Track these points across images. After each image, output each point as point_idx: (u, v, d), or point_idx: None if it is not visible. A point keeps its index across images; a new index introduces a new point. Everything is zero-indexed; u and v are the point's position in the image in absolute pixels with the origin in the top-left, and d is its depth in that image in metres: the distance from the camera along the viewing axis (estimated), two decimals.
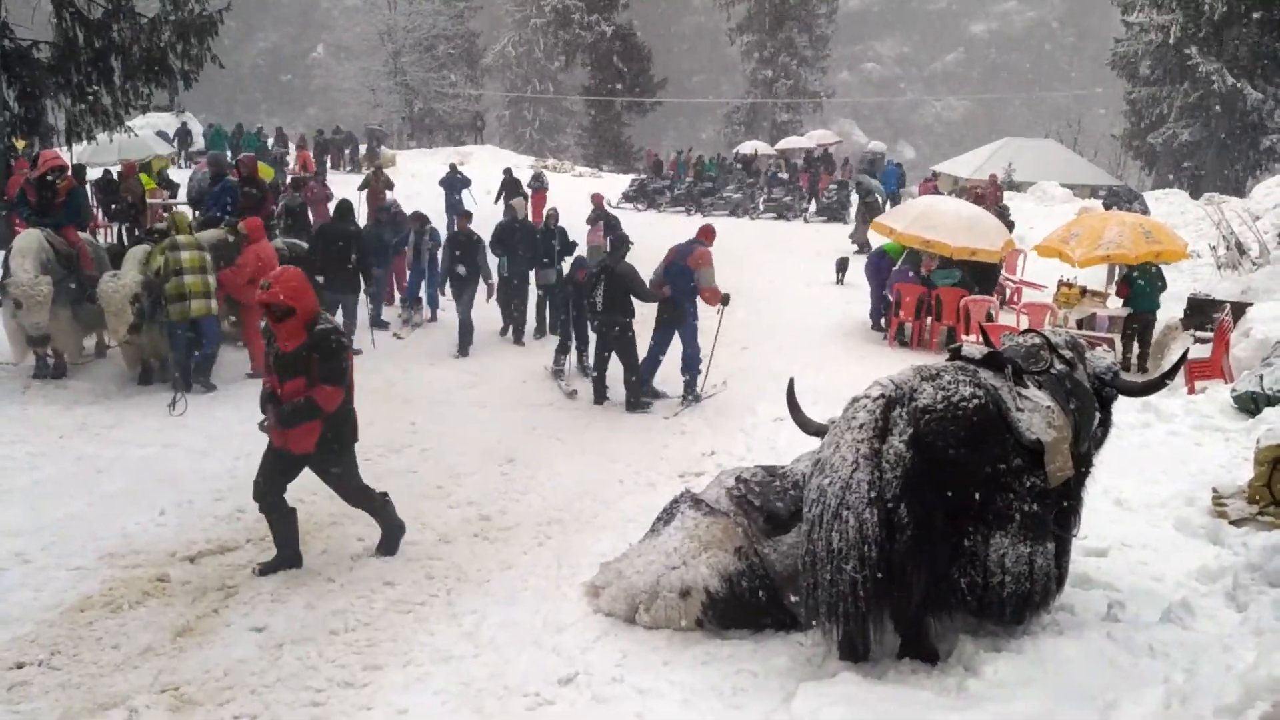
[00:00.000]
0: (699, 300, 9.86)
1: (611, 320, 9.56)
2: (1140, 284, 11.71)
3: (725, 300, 9.91)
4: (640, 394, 9.72)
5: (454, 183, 20.52)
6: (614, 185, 30.99)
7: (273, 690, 4.52)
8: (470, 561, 6.07)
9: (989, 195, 19.93)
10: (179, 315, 9.22)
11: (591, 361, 10.10)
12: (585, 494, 7.36)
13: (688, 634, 4.93)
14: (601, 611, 5.18)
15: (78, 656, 4.71)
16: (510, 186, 20.55)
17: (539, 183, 22.67)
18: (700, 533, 5.14)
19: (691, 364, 9.88)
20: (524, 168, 30.11)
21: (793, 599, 4.74)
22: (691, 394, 9.86)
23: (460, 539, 6.44)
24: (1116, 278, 15.99)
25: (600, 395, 9.86)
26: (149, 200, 18.05)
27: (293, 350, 5.48)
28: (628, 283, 9.49)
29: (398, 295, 13.59)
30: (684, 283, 9.70)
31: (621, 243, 10.05)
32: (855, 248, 19.12)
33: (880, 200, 21.04)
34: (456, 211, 19.64)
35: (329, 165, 30.51)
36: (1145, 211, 20.45)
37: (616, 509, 7.00)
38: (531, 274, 12.34)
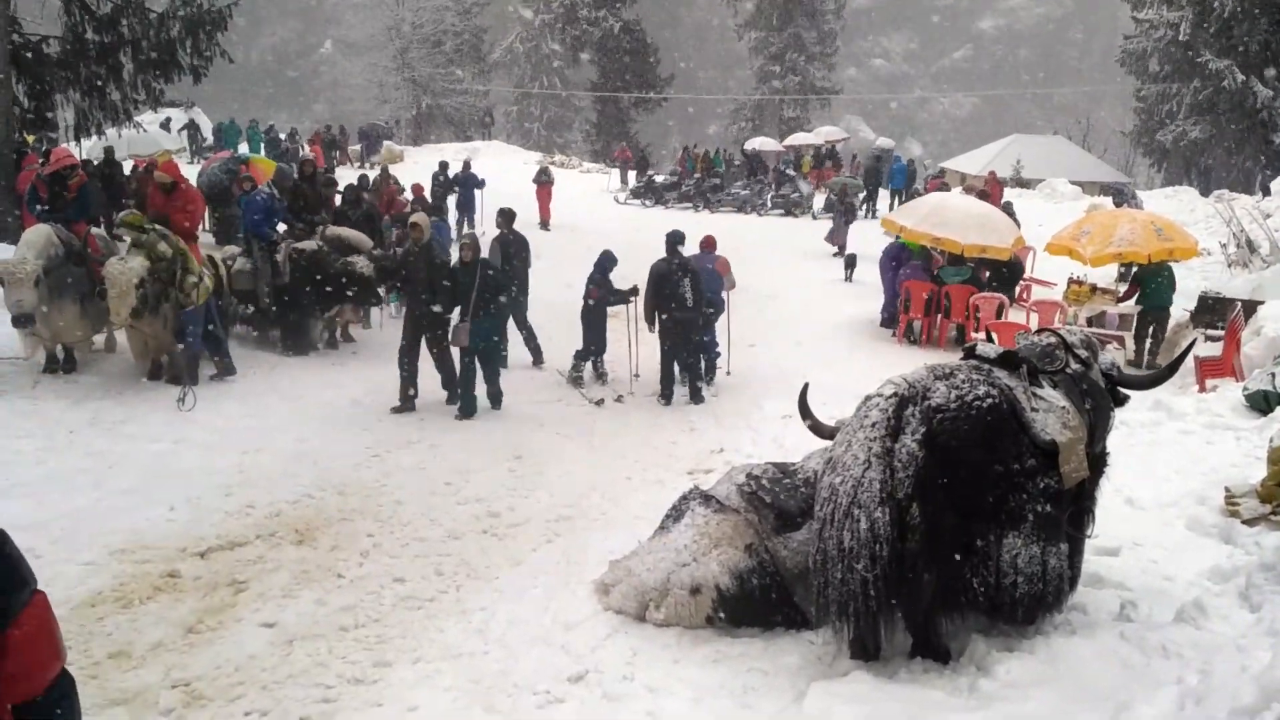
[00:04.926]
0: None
1: (698, 315, 9.90)
2: (1158, 281, 11.64)
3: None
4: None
5: (468, 181, 19.84)
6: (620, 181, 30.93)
7: (283, 686, 4.54)
8: (479, 558, 6.08)
9: (992, 194, 19.48)
10: (205, 295, 9.35)
11: (660, 364, 10.01)
12: (593, 491, 7.36)
13: (698, 632, 4.92)
14: (611, 609, 5.17)
15: (88, 652, 4.71)
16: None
17: (545, 177, 22.45)
18: (711, 530, 5.13)
19: (710, 354, 10.48)
20: (531, 163, 30.08)
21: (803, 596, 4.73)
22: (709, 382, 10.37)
23: (469, 535, 6.44)
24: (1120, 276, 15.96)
25: (669, 395, 9.97)
26: None
27: None
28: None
29: None
30: (714, 285, 10.52)
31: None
32: (834, 250, 18.12)
33: (859, 202, 20.91)
34: (468, 211, 19.53)
35: (336, 162, 30.52)
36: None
37: (625, 506, 7.00)
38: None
